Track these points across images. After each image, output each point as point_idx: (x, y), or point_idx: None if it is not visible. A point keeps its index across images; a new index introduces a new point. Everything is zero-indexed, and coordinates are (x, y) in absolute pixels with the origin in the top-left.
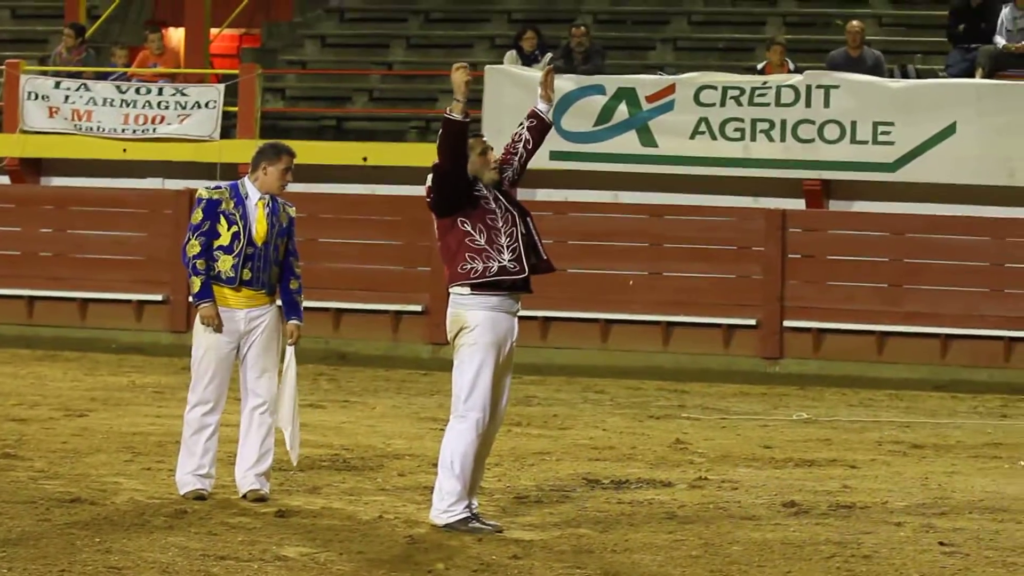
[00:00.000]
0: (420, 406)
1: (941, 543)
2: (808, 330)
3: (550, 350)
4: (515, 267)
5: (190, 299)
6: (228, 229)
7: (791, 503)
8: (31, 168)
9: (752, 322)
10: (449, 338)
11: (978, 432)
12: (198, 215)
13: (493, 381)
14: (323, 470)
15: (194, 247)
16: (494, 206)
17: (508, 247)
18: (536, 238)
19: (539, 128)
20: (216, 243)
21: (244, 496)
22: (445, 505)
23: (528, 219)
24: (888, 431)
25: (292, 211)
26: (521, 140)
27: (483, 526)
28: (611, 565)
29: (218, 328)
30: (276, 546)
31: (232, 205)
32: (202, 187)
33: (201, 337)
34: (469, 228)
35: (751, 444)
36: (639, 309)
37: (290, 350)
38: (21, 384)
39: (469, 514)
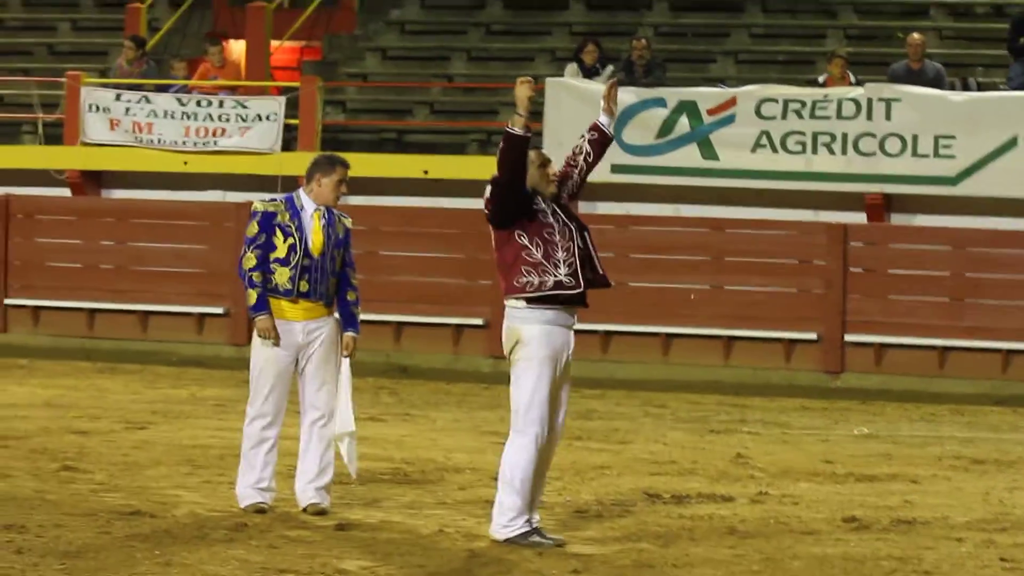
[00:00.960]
0: (481, 419)
1: (1002, 559)
2: (869, 344)
3: (611, 364)
4: (571, 282)
5: (248, 312)
6: (284, 241)
7: (852, 518)
8: (92, 180)
9: (813, 336)
10: (505, 352)
11: None
12: (253, 228)
13: (550, 395)
14: (383, 483)
15: (250, 260)
16: (551, 220)
17: (565, 262)
18: (593, 252)
19: (600, 141)
20: (272, 255)
21: (304, 510)
22: (506, 520)
23: (586, 233)
24: (949, 446)
25: (348, 222)
26: (582, 153)
27: (544, 540)
28: None
29: (276, 341)
30: (336, 559)
31: (288, 217)
32: (257, 200)
33: (259, 350)
34: (526, 241)
35: (812, 459)
36: (700, 323)
37: (346, 362)
38: (82, 396)
39: (530, 528)
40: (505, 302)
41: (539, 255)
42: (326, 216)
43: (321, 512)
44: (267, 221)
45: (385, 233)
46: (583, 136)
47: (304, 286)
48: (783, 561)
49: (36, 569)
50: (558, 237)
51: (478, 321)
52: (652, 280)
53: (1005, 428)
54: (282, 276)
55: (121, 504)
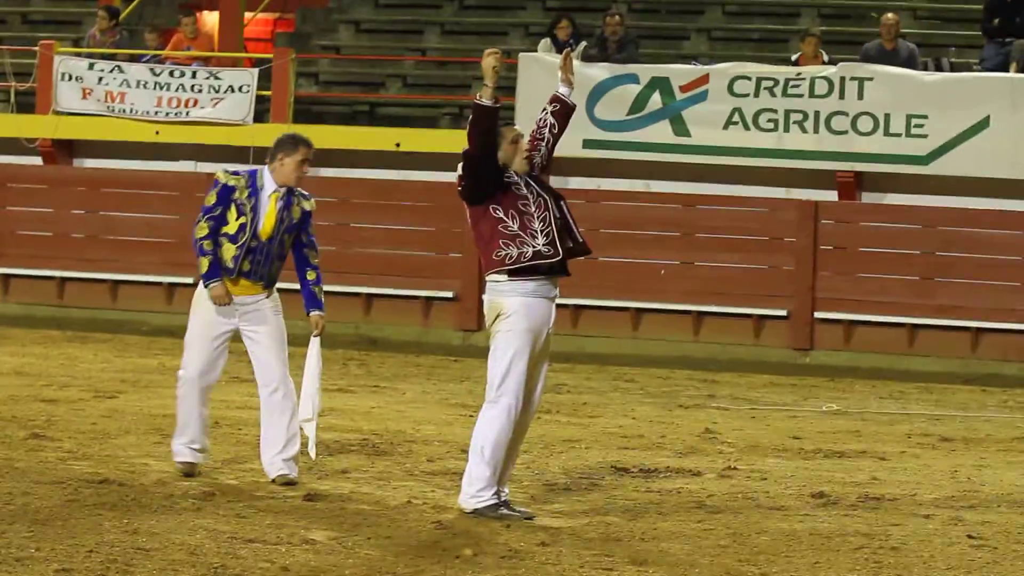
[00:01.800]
0: (450, 392)
1: (969, 536)
2: (839, 322)
3: (581, 338)
4: (549, 251)
5: (201, 279)
6: (236, 219)
7: (820, 494)
8: (64, 149)
9: (783, 313)
10: (487, 325)
11: (1008, 426)
12: (212, 198)
13: (528, 368)
14: (352, 455)
15: (203, 229)
16: (525, 191)
17: (542, 231)
18: (571, 221)
19: (563, 112)
20: (223, 229)
21: (273, 481)
22: (474, 490)
23: (562, 203)
24: (918, 424)
25: (308, 204)
26: (546, 125)
27: (512, 513)
28: (639, 553)
29: (230, 303)
30: (304, 530)
31: (246, 195)
32: (221, 170)
33: (196, 314)
34: (501, 214)
35: (780, 435)
36: (670, 298)
37: (315, 344)
38: (51, 365)
39: (498, 501)
40: (486, 277)
41: (515, 227)
42: (284, 198)
43: (290, 483)
44: (225, 195)
45: (356, 205)
46: (545, 108)
47: (246, 266)
48: (750, 536)
49: (4, 537)
50: (533, 208)
51: (448, 294)
52: (622, 255)
53: (973, 406)
54: (227, 253)
55: (89, 472)
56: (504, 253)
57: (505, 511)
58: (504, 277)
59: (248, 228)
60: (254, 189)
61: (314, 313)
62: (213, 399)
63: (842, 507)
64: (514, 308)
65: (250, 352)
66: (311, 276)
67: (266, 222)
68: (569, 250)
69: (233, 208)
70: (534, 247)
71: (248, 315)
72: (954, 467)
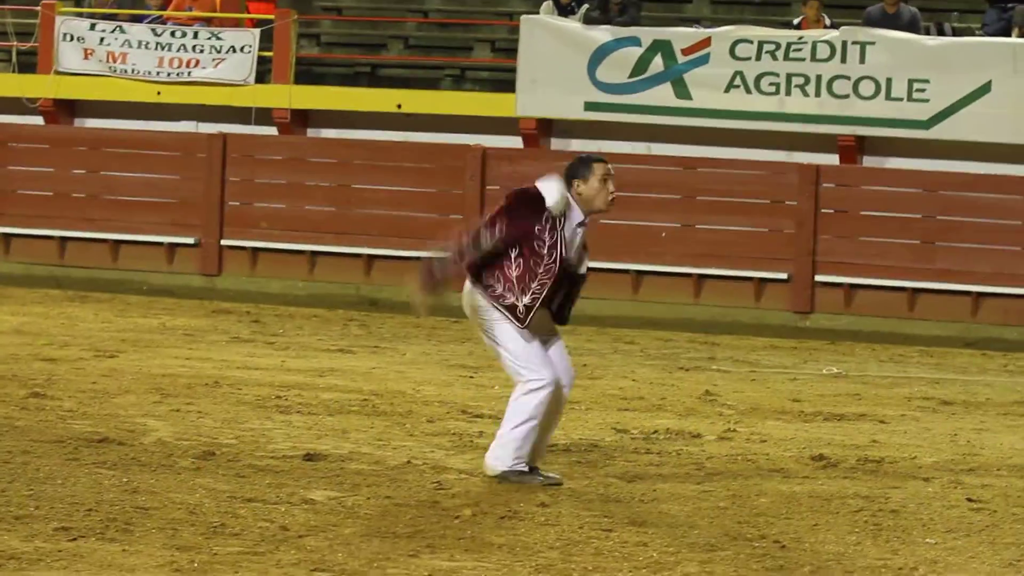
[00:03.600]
0: (450, 353)
1: (969, 499)
2: (840, 285)
3: (581, 300)
4: (523, 315)
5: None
6: None
7: (819, 457)
8: (65, 109)
9: (784, 276)
10: (467, 312)
11: (1008, 390)
12: None
13: (538, 339)
14: (352, 415)
15: None
16: (546, 251)
17: (532, 292)
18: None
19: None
20: None
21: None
22: (505, 454)
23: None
24: (918, 387)
25: None
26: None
27: (539, 477)
28: (639, 515)
29: None
30: (303, 489)
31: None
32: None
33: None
34: (514, 253)
35: (780, 397)
36: (671, 261)
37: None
38: (52, 324)
39: (526, 468)
40: (468, 278)
41: (515, 274)
42: None
43: None
44: None
45: (357, 166)
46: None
47: None
48: (750, 498)
49: (3, 495)
50: (541, 269)
51: (448, 255)
52: (623, 218)
53: (973, 370)
54: None
55: (89, 431)
56: (492, 286)
57: (532, 476)
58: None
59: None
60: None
61: None
62: (212, 358)
63: (842, 470)
64: (496, 318)
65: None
66: None
67: None
68: (537, 320)
69: None
70: (519, 300)
71: None
72: (954, 431)
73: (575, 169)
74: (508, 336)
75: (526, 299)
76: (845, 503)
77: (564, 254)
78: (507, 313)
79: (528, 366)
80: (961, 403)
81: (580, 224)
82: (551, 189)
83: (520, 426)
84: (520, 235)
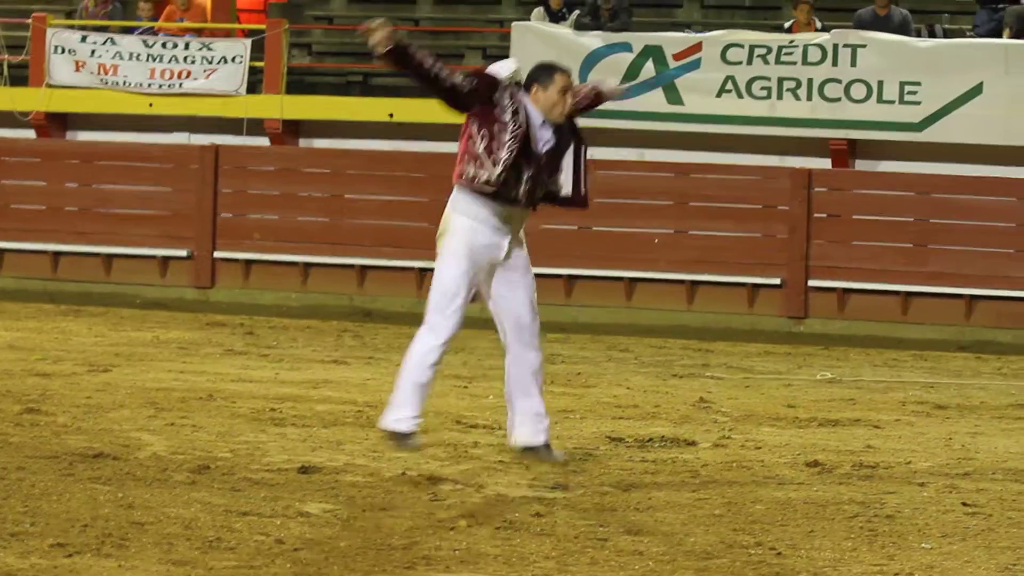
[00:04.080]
0: (444, 364)
1: (964, 504)
2: (833, 290)
3: (574, 308)
4: (492, 184)
5: None
6: None
7: (814, 463)
8: (57, 122)
9: (777, 281)
10: (437, 239)
11: (1002, 393)
12: None
13: (457, 287)
14: (346, 426)
15: None
16: (508, 119)
17: (502, 161)
18: (574, 171)
19: (594, 104)
20: None
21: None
22: (386, 411)
23: (582, 148)
24: (912, 391)
25: None
26: (577, 96)
27: (547, 456)
28: (634, 523)
29: None
30: (299, 502)
31: None
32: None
33: None
34: (474, 130)
35: (775, 403)
36: (664, 267)
37: None
38: (45, 339)
39: (409, 430)
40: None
41: (480, 148)
42: None
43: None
44: None
45: (350, 176)
46: (587, 84)
47: None
48: (745, 505)
49: None
50: (507, 137)
51: None
52: (616, 224)
53: (968, 374)
54: None
55: (84, 446)
56: (462, 169)
57: (412, 442)
58: (461, 193)
59: None
60: None
61: None
62: (206, 371)
63: (837, 475)
64: (457, 227)
65: None
66: None
67: None
68: (513, 197)
69: None
70: (487, 173)
71: None
72: (949, 435)
73: (536, 73)
74: (439, 272)
75: (497, 169)
76: (840, 509)
77: (527, 130)
78: (469, 186)
79: (435, 308)
80: (956, 407)
81: (544, 124)
82: (502, 67)
83: (401, 379)
84: (484, 89)
